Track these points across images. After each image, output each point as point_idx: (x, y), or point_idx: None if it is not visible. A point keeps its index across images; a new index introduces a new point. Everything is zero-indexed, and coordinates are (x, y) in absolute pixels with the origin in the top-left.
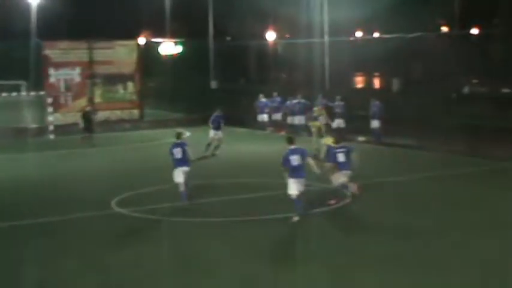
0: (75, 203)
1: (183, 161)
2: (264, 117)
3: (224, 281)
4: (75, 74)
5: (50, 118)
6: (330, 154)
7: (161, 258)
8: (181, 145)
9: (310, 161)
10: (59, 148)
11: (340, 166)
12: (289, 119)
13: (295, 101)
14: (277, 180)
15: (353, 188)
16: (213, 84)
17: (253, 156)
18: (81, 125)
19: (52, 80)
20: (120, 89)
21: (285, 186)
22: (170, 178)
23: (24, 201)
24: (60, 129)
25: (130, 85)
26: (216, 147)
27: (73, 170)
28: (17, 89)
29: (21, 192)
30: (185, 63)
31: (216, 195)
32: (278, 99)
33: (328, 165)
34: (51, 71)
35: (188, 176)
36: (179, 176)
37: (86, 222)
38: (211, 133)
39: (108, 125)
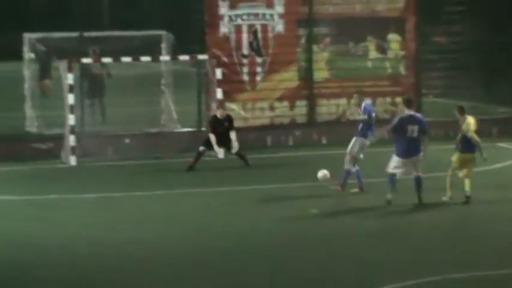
0: None
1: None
2: None
3: None
4: (273, 18)
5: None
6: None
7: None
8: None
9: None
10: (240, 180)
11: None
12: None
13: None
14: None
15: None
16: None
17: None
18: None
19: (224, 29)
20: (371, 49)
21: None
22: None
23: None
24: (242, 137)
25: (393, 42)
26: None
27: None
28: (153, 48)
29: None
30: None
31: None
32: None
33: None
34: (223, 10)
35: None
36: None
37: None
38: None
39: (342, 128)
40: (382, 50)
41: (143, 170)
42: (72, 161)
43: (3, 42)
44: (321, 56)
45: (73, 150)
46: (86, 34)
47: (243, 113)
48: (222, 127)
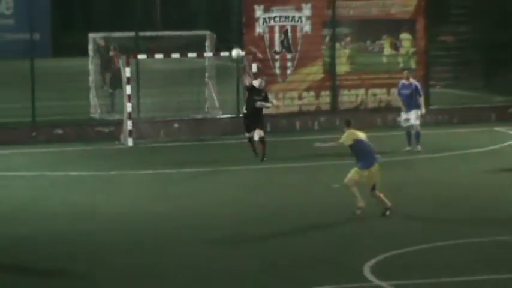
0: (316, 268)
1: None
2: None
3: None
4: (301, 20)
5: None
6: None
7: None
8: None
9: None
10: (272, 158)
11: None
12: None
13: None
14: None
15: None
16: None
17: None
18: None
19: (259, 30)
20: (386, 47)
21: None
22: None
23: None
24: (274, 122)
25: (406, 39)
26: None
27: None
28: (198, 45)
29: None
30: None
31: None
32: None
33: None
34: (258, 13)
35: None
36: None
37: None
38: None
39: (361, 115)
40: (395, 47)
41: (190, 151)
42: (130, 142)
43: (72, 42)
44: (343, 52)
45: (130, 133)
46: (141, 33)
47: (275, 102)
48: (258, 96)
